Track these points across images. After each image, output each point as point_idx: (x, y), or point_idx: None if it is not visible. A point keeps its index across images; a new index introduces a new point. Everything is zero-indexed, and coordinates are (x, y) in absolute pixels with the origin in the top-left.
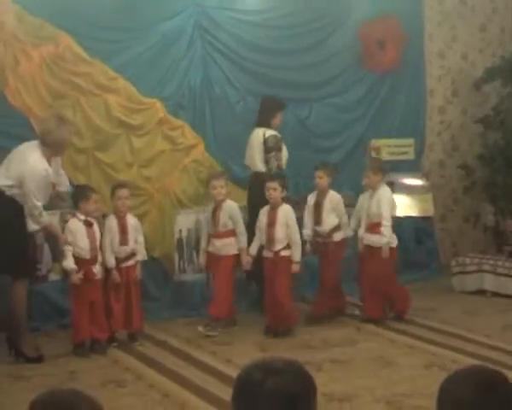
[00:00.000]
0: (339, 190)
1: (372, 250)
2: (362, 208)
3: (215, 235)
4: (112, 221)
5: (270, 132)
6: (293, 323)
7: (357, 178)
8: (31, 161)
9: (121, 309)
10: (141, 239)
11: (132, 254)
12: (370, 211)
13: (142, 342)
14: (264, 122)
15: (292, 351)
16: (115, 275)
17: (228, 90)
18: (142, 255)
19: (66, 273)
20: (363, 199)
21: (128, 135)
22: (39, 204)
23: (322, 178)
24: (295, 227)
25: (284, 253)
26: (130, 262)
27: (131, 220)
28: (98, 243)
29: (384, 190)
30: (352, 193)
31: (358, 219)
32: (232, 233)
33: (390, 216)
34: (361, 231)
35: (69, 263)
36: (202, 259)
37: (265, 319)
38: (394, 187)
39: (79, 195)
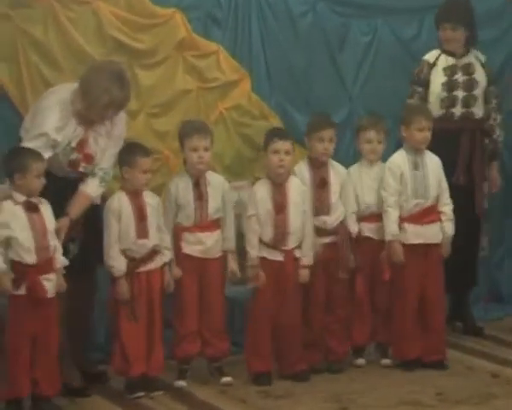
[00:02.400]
0: None
1: (424, 250)
2: (361, 188)
3: (202, 226)
4: (122, 201)
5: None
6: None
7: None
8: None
9: (141, 341)
10: (164, 228)
11: (155, 252)
12: (421, 188)
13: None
14: None
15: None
16: (123, 287)
17: None
18: (169, 253)
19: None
20: (369, 172)
21: (131, 66)
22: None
23: (332, 142)
24: (310, 212)
25: (299, 253)
26: (153, 265)
27: (150, 199)
28: (50, 235)
29: (434, 155)
30: None
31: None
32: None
33: None
34: (392, 225)
35: None
36: (175, 269)
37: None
38: None
39: (13, 163)
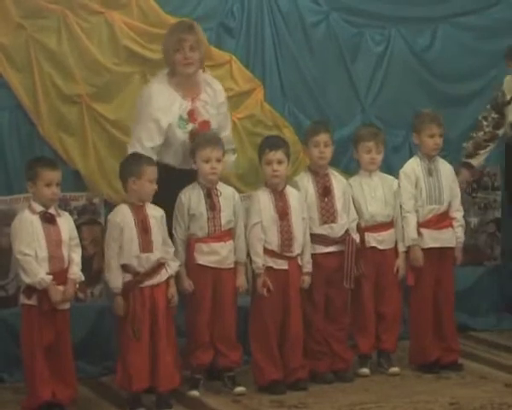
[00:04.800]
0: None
1: (439, 254)
2: (363, 198)
3: (216, 236)
4: (124, 215)
5: None
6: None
7: None
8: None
9: (143, 356)
10: (169, 240)
11: (160, 266)
12: (435, 194)
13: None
14: None
15: None
16: (118, 304)
17: (302, 4)
18: (175, 265)
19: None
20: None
21: (144, 76)
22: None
23: (328, 146)
24: (307, 220)
25: (300, 260)
26: (158, 279)
27: (154, 212)
28: (65, 248)
29: (447, 162)
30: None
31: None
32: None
33: None
34: (412, 231)
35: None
36: (186, 281)
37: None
38: None
39: (28, 172)
